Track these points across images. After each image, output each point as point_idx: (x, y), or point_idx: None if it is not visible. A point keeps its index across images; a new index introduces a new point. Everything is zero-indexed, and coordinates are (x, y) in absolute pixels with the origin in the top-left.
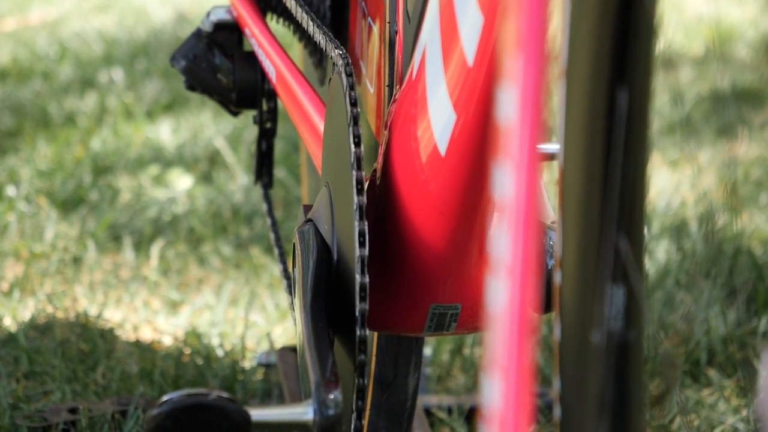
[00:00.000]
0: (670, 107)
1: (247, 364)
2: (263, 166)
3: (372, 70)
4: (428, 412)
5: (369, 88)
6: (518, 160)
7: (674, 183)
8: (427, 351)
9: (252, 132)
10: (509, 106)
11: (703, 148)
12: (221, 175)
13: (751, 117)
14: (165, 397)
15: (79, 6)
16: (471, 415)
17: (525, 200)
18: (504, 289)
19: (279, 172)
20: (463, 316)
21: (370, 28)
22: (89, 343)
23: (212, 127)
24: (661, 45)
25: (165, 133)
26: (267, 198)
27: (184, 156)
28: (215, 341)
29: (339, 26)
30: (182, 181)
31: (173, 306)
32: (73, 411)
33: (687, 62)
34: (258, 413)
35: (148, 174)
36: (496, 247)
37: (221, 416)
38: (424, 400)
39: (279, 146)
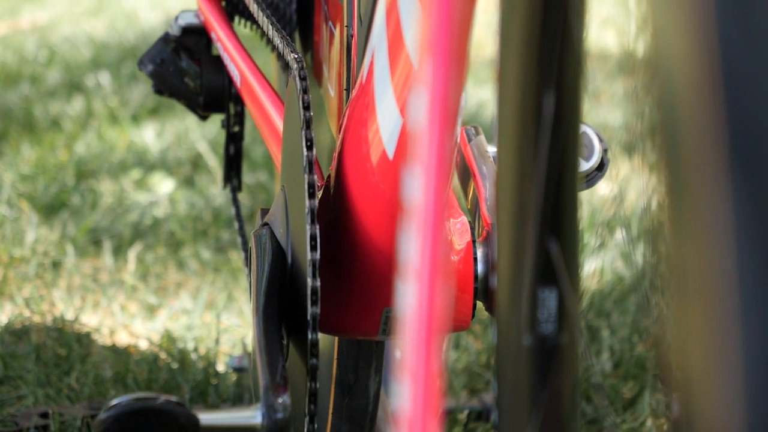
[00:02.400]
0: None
1: (221, 368)
2: (232, 170)
3: (333, 74)
4: None
5: (330, 91)
6: (427, 164)
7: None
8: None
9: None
10: (419, 109)
11: None
12: (203, 179)
13: None
14: (113, 401)
15: (70, 10)
16: (444, 418)
17: (433, 204)
18: (412, 293)
19: (261, 176)
20: None
21: (331, 31)
22: (65, 347)
23: (196, 131)
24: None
25: (149, 137)
26: (236, 202)
27: (167, 160)
28: (190, 345)
29: (305, 30)
30: (164, 185)
31: (150, 310)
32: (44, 415)
33: None
34: (206, 417)
35: (131, 178)
36: (404, 251)
37: (169, 420)
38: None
39: (262, 150)
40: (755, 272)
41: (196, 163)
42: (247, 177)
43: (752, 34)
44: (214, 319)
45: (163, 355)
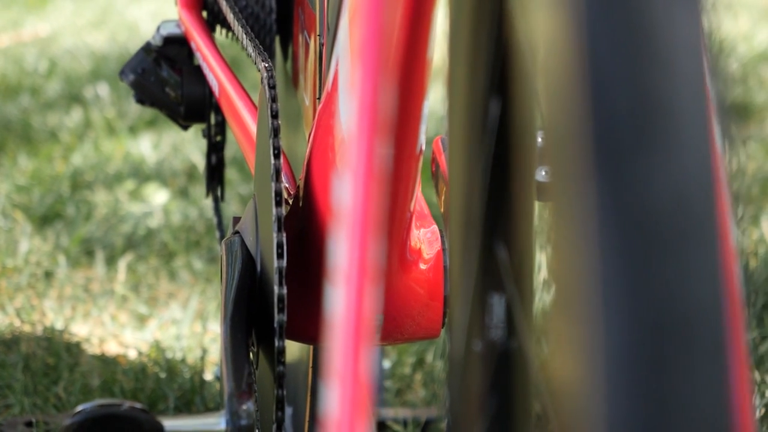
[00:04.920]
0: None
1: (208, 377)
2: (214, 179)
3: (309, 84)
4: (384, 425)
5: (306, 101)
6: (356, 169)
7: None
8: (387, 364)
9: (230, 148)
10: (350, 114)
11: None
12: (198, 190)
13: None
14: (78, 408)
15: (73, 22)
16: (426, 429)
17: (362, 208)
18: (341, 297)
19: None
20: (386, 328)
21: (306, 41)
22: (54, 356)
23: (194, 142)
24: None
25: (146, 148)
26: (218, 212)
27: (163, 171)
28: (179, 355)
29: (285, 39)
30: (158, 196)
31: (141, 320)
32: (29, 424)
33: None
34: (171, 423)
35: (125, 189)
36: (334, 256)
37: (134, 426)
38: (381, 413)
39: None
40: (616, 274)
41: (191, 174)
42: (242, 188)
43: (619, 34)
44: (204, 329)
45: (151, 365)
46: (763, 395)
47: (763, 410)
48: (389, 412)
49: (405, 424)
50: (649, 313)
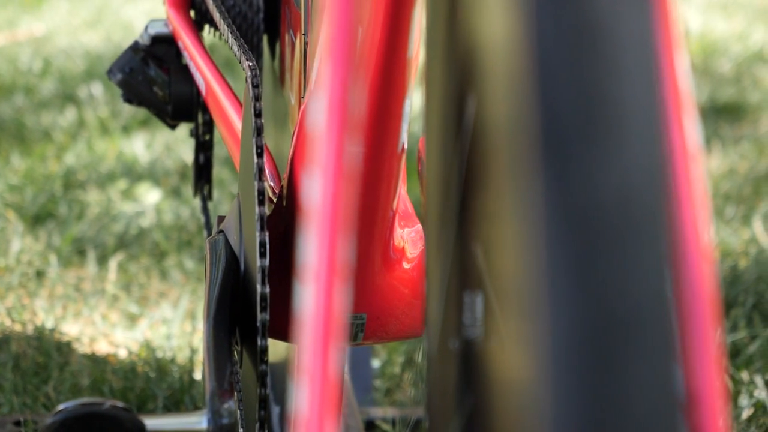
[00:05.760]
0: None
1: (197, 376)
2: (201, 179)
3: (294, 82)
4: (373, 424)
5: (291, 99)
6: (325, 166)
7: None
8: (376, 363)
9: (223, 147)
10: (318, 112)
11: None
12: (190, 189)
13: (726, 132)
14: (60, 407)
15: (68, 22)
16: (416, 428)
17: (331, 206)
18: (310, 295)
19: None
20: (370, 327)
21: (292, 40)
22: (45, 356)
23: (187, 142)
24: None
25: (139, 148)
26: (205, 211)
27: (155, 170)
28: (169, 354)
29: (273, 38)
30: (151, 195)
31: (132, 319)
32: (17, 423)
33: None
34: (153, 422)
35: (118, 188)
36: (303, 253)
37: (115, 425)
38: (370, 412)
39: None
40: (561, 271)
41: (184, 173)
42: (235, 187)
43: (566, 30)
44: (194, 328)
45: (141, 364)
46: (752, 395)
47: (752, 410)
48: (379, 412)
49: (394, 423)
50: (594, 309)
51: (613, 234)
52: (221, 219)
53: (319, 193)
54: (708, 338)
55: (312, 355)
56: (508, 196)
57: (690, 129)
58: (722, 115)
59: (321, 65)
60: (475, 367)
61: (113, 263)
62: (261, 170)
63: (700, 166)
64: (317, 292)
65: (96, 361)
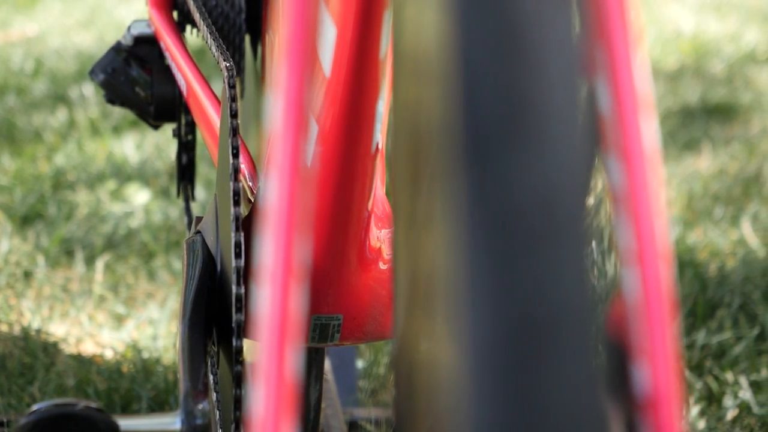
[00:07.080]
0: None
1: None
2: (184, 179)
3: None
4: (357, 425)
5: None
6: (280, 166)
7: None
8: (361, 364)
9: None
10: (275, 113)
11: (667, 163)
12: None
13: (717, 132)
14: (33, 407)
15: (62, 22)
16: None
17: (287, 206)
18: (266, 296)
19: None
20: (346, 327)
21: (272, 40)
22: (31, 356)
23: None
24: None
25: (129, 148)
26: (188, 212)
27: (145, 171)
28: (155, 355)
29: (255, 38)
30: (140, 196)
31: (118, 320)
32: (1, 424)
33: (660, 77)
34: (126, 423)
35: (107, 189)
36: (261, 254)
37: (89, 425)
38: (354, 413)
39: None
40: (483, 272)
41: (173, 174)
42: None
43: (488, 32)
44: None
45: (126, 365)
46: (736, 396)
47: (736, 411)
48: (363, 412)
49: (378, 424)
50: (514, 311)
51: (533, 236)
52: (199, 220)
53: (274, 194)
54: (665, 338)
55: (268, 356)
56: (436, 198)
57: (644, 129)
58: (713, 115)
59: (277, 64)
60: (406, 369)
61: (99, 264)
62: (236, 171)
63: (656, 166)
64: (273, 293)
65: (82, 361)
